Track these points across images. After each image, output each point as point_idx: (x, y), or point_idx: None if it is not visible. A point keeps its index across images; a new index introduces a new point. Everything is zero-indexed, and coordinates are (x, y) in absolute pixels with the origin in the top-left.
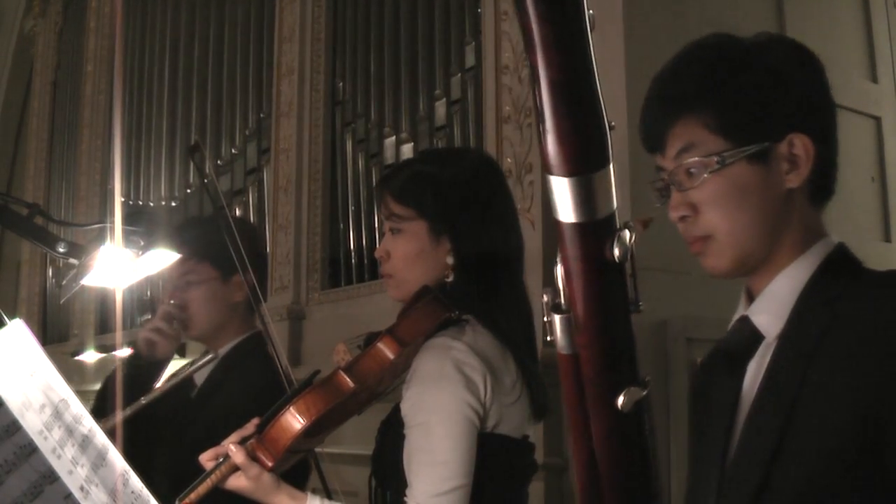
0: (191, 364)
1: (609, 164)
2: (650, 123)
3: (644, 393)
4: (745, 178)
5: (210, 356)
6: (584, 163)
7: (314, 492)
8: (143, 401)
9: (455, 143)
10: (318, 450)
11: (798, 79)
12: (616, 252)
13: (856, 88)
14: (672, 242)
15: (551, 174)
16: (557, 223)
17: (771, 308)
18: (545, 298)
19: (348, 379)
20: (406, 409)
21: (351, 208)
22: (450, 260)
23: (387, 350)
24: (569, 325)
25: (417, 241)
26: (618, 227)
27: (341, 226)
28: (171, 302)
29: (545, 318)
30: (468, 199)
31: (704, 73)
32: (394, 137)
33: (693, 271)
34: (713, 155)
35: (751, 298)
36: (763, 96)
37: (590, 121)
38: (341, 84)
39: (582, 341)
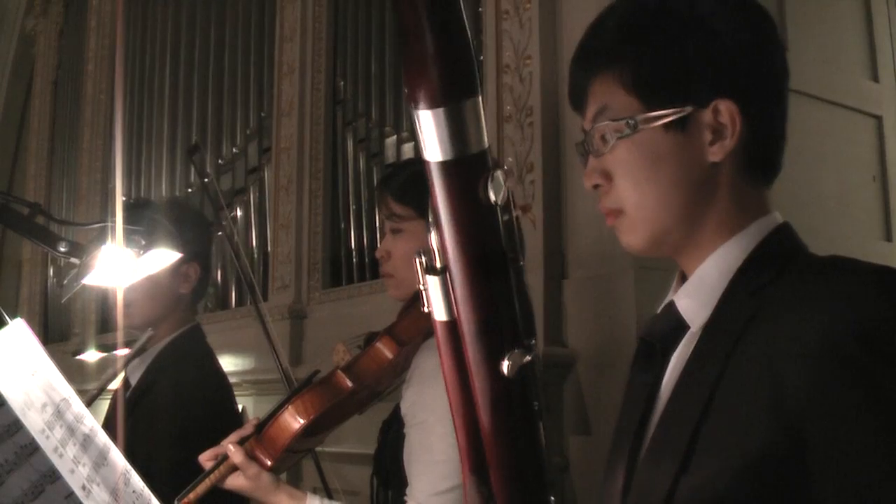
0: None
1: (478, 94)
2: (572, 80)
3: (528, 357)
4: (660, 147)
5: (148, 334)
6: (454, 90)
7: (314, 491)
8: (86, 398)
9: None
10: (318, 449)
11: (732, 35)
12: (490, 193)
13: (857, 87)
14: None
15: (417, 108)
16: (426, 165)
17: (698, 295)
18: (419, 262)
19: (347, 378)
20: (406, 408)
21: (352, 207)
22: None
23: (385, 350)
24: (445, 287)
25: (417, 240)
26: (491, 165)
27: (342, 225)
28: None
29: (420, 287)
30: None
31: (623, 24)
32: (395, 137)
33: None
34: (625, 118)
35: (683, 280)
36: (686, 53)
37: (458, 46)
38: (342, 83)
39: (459, 296)
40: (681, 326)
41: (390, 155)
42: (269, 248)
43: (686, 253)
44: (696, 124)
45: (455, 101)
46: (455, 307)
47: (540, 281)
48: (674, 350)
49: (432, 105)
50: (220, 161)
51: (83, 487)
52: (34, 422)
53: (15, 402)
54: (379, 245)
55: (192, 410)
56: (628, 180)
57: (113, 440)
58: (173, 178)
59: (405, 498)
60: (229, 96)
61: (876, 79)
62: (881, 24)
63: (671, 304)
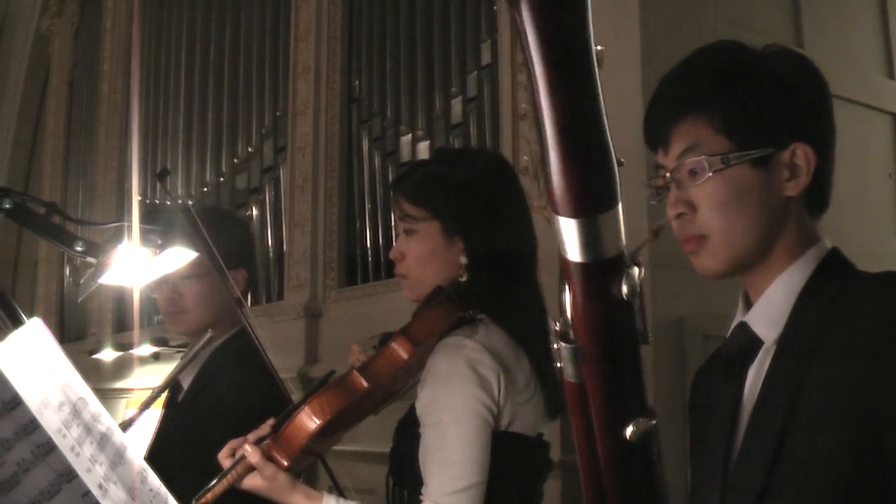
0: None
1: (617, 204)
2: (656, 121)
3: (652, 423)
4: (746, 182)
5: (209, 335)
6: (591, 205)
7: (330, 490)
8: (147, 398)
9: (471, 141)
10: (334, 448)
11: (805, 91)
12: (624, 290)
13: (872, 85)
14: None
15: (557, 214)
16: (565, 260)
17: (768, 313)
18: (554, 326)
19: (362, 379)
20: (420, 408)
21: (367, 206)
22: (463, 260)
23: (400, 350)
24: (575, 356)
25: (431, 241)
26: (626, 264)
27: (357, 224)
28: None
29: (554, 345)
30: (480, 199)
31: (716, 74)
32: (410, 135)
33: None
34: (717, 155)
35: (748, 303)
36: (771, 103)
37: (597, 163)
38: (357, 82)
39: (588, 372)
40: (754, 342)
41: (405, 153)
42: (284, 247)
43: (755, 274)
44: (776, 163)
45: (592, 215)
46: (584, 375)
47: (554, 279)
48: (751, 364)
49: (571, 216)
50: (235, 160)
51: (100, 486)
52: (51, 421)
53: (32, 401)
54: (394, 244)
55: (252, 408)
56: (716, 210)
57: (167, 443)
58: (189, 178)
59: (420, 497)
60: (244, 95)
61: (891, 76)
62: None
63: (743, 325)
